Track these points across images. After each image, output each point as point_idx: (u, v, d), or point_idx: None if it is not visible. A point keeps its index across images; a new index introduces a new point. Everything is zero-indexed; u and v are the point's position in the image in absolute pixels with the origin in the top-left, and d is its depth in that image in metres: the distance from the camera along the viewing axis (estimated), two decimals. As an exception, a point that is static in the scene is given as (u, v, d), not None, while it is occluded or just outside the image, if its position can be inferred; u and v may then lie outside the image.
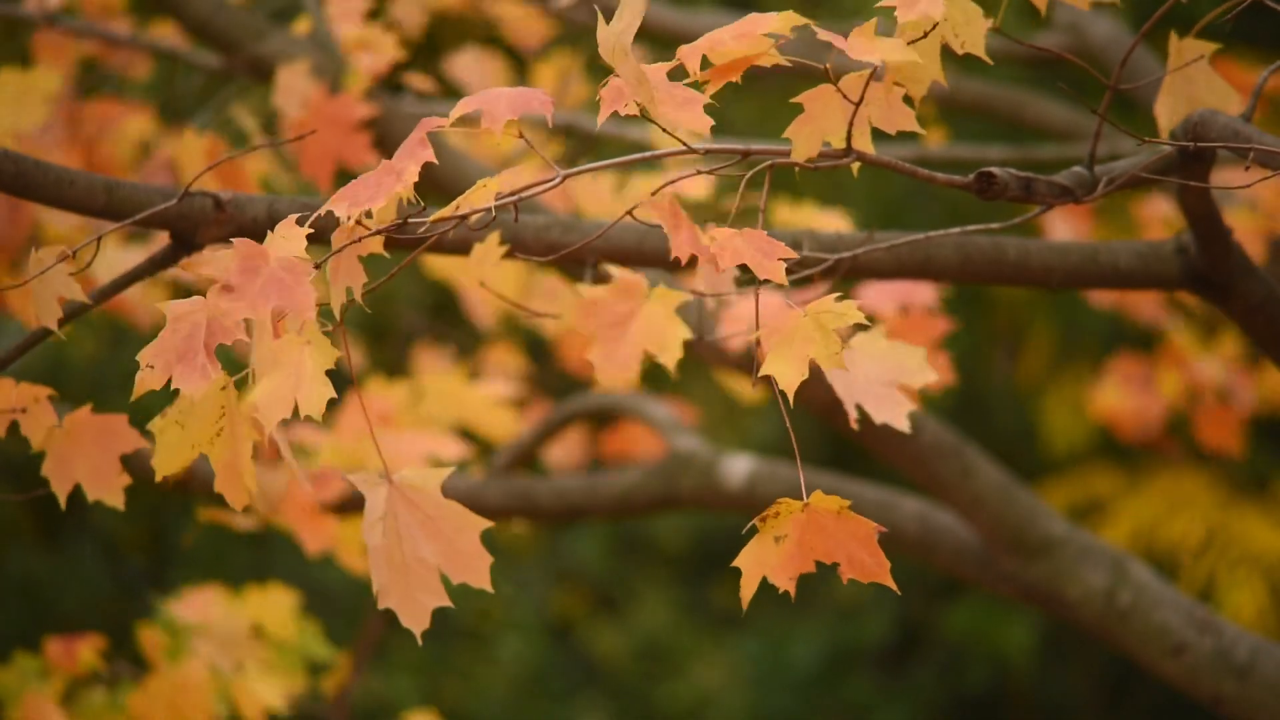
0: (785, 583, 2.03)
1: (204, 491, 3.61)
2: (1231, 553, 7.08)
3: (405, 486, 2.11)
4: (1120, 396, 4.90)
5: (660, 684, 7.89)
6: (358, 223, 2.05)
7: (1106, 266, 2.61)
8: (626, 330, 2.37)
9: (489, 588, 2.10)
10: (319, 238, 2.09)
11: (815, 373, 3.58)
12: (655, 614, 7.96)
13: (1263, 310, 2.58)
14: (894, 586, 2.04)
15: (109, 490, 2.35)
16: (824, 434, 7.37)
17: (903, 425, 2.39)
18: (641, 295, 2.36)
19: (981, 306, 7.38)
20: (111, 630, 3.82)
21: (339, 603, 6.76)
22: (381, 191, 2.03)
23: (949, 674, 7.87)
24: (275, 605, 3.68)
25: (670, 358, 2.37)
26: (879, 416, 2.39)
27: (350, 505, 3.64)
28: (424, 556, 2.11)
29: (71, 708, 3.43)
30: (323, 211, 2.05)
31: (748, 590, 2.02)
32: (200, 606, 3.59)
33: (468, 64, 4.53)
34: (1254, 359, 4.97)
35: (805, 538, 2.03)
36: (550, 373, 5.81)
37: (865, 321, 2.07)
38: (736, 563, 2.03)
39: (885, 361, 2.43)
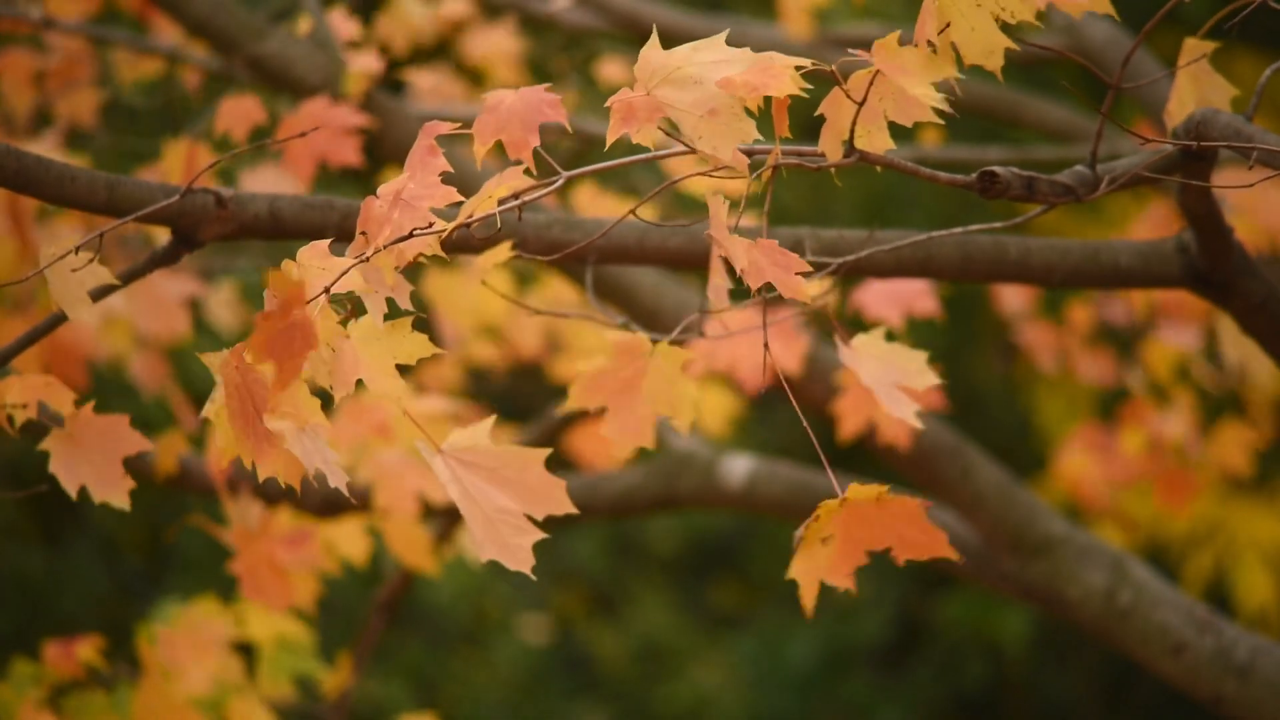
0: (843, 580, 2.03)
1: (198, 488, 3.61)
2: (1238, 541, 7.10)
3: (457, 452, 2.13)
4: (1084, 464, 4.95)
5: (658, 685, 7.88)
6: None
7: (1107, 265, 2.61)
8: (636, 395, 2.37)
9: (574, 510, 2.14)
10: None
11: (816, 373, 3.60)
12: (653, 615, 7.96)
13: (1264, 309, 2.58)
14: (953, 555, 2.04)
15: (115, 491, 2.34)
16: (822, 434, 7.36)
17: (914, 422, 2.39)
18: (645, 354, 2.36)
19: (978, 303, 7.38)
20: (109, 630, 3.81)
21: (338, 603, 6.76)
22: (408, 214, 2.03)
23: (947, 672, 7.88)
24: (269, 616, 3.68)
25: (684, 419, 2.38)
26: (894, 411, 2.39)
27: (328, 508, 3.63)
28: (502, 505, 2.12)
29: (67, 710, 3.42)
30: (364, 246, 2.04)
31: (809, 598, 2.03)
32: (194, 617, 3.59)
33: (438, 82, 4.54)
34: (1210, 416, 5.05)
35: (850, 532, 2.03)
36: (491, 388, 5.82)
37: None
38: (791, 574, 2.03)
39: (887, 363, 2.43)
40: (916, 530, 2.04)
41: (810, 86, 2.05)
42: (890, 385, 2.41)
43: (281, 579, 3.36)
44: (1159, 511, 5.27)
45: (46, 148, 3.83)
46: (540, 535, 2.13)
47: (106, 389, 6.60)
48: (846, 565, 2.04)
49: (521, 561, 2.13)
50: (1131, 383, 5.00)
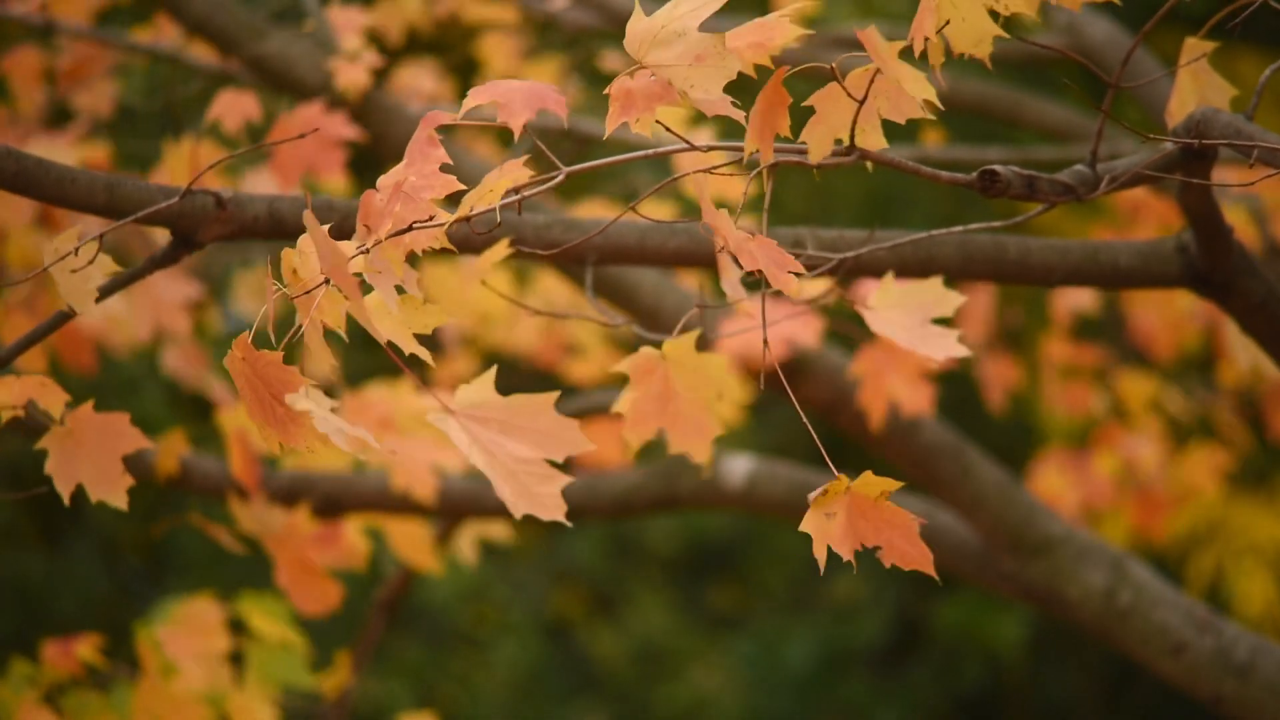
0: (846, 552, 2.03)
1: (199, 489, 3.60)
2: (1236, 543, 7.10)
3: (466, 408, 2.13)
4: (1060, 485, 4.98)
5: (658, 686, 7.88)
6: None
7: (1107, 265, 2.61)
8: (675, 401, 2.36)
9: (592, 447, 2.13)
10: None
11: (814, 372, 3.60)
12: (652, 616, 7.96)
13: (1264, 309, 2.58)
14: (935, 576, 2.04)
15: (112, 491, 2.34)
16: (821, 433, 7.36)
17: (961, 352, 2.37)
18: (659, 360, 2.34)
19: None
20: (109, 630, 3.82)
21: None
22: (409, 206, 2.03)
23: (945, 673, 7.87)
24: (268, 614, 3.68)
25: (724, 400, 2.36)
26: (937, 354, 2.37)
27: (330, 507, 3.63)
28: (522, 455, 2.12)
29: (66, 709, 3.42)
30: (366, 238, 2.04)
31: (820, 551, 2.03)
32: (192, 616, 3.59)
33: (427, 74, 4.54)
34: (1179, 438, 5.08)
35: (852, 518, 2.03)
36: (504, 381, 5.79)
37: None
38: (803, 527, 2.03)
39: (909, 305, 2.42)
40: (907, 542, 2.04)
41: (809, 56, 2.05)
42: (921, 326, 2.40)
43: (319, 581, 3.36)
44: (1134, 534, 5.32)
45: (67, 142, 3.83)
46: (566, 480, 2.12)
47: (108, 386, 6.60)
48: (848, 543, 2.04)
49: (552, 509, 2.12)
50: (1100, 408, 5.05)
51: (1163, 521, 4.98)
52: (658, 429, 2.35)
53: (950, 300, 2.42)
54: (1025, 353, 5.30)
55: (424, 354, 2.05)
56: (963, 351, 2.37)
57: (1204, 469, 4.95)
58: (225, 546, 3.42)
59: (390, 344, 2.07)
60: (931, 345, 2.38)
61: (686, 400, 2.34)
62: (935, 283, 2.43)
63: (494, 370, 2.15)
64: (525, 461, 2.12)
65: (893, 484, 2.03)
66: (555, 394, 2.14)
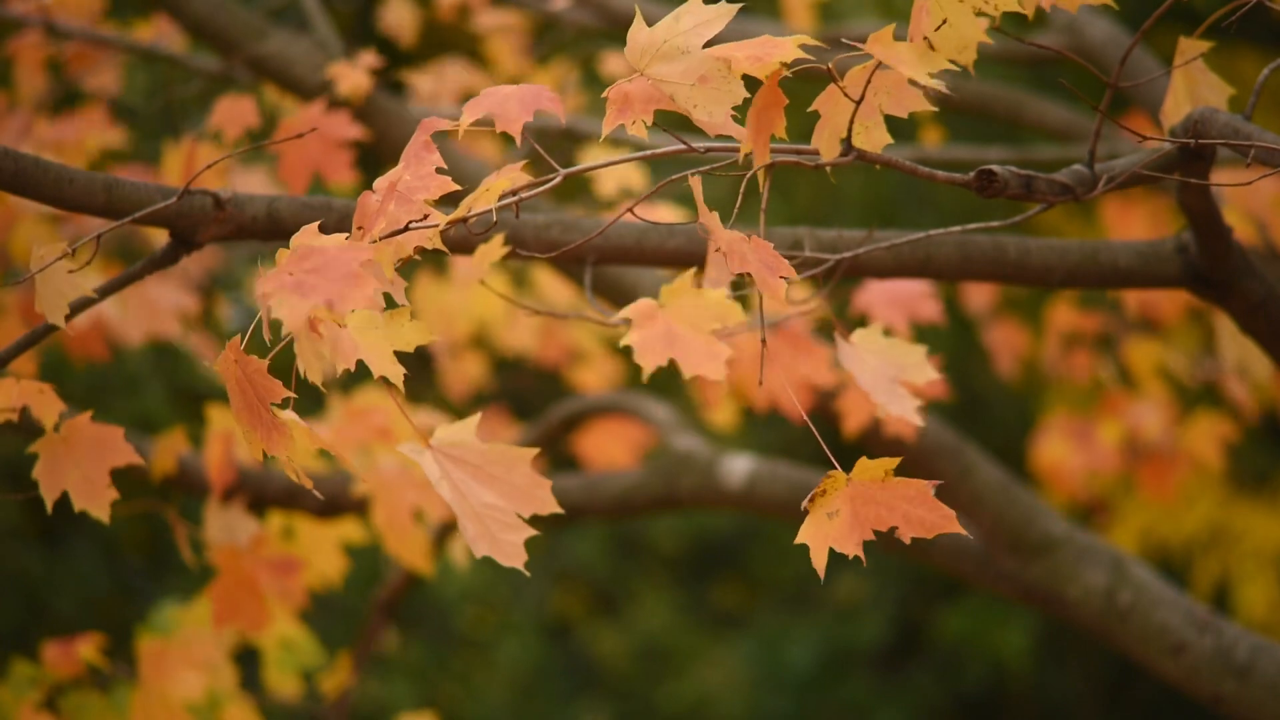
0: (852, 549, 2.02)
1: (197, 488, 3.60)
2: (1240, 546, 7.10)
3: (444, 446, 2.13)
4: (1064, 452, 4.95)
5: (660, 685, 7.88)
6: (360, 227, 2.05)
7: (1106, 265, 2.61)
8: (681, 336, 2.38)
9: (559, 510, 2.14)
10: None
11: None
12: (654, 615, 7.96)
13: (1263, 309, 2.58)
14: (962, 531, 2.04)
15: (96, 502, 2.34)
16: (822, 432, 7.35)
17: (914, 418, 2.39)
18: (657, 309, 2.37)
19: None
20: (109, 630, 3.81)
21: (338, 603, 6.76)
22: (404, 207, 2.03)
23: (947, 674, 7.87)
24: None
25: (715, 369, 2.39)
26: (890, 409, 2.39)
27: (329, 508, 3.63)
28: (490, 501, 2.12)
29: (66, 709, 3.42)
30: (359, 240, 2.04)
31: (819, 561, 2.02)
32: (192, 620, 3.59)
33: (450, 73, 4.54)
34: (1185, 407, 5.05)
35: (856, 509, 2.03)
36: (512, 385, 5.81)
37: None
38: (800, 539, 2.03)
39: (886, 357, 2.43)
40: (924, 509, 2.03)
41: (812, 59, 2.05)
42: (890, 381, 2.41)
43: (259, 603, 3.33)
44: (1149, 505, 5.29)
45: (84, 130, 3.83)
46: (531, 532, 2.13)
47: (110, 385, 6.59)
48: (854, 538, 2.03)
49: (513, 557, 2.13)
50: (1105, 376, 5.03)
51: (1171, 486, 4.96)
52: (668, 358, 2.37)
53: (925, 372, 2.44)
54: (1031, 318, 5.28)
55: (397, 376, 2.05)
56: (916, 420, 2.38)
57: (1208, 437, 4.93)
58: (182, 555, 3.40)
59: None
60: (892, 401, 2.39)
61: (691, 335, 2.36)
62: (919, 350, 2.44)
63: (478, 417, 2.16)
64: (492, 508, 2.13)
65: (893, 460, 2.02)
66: (533, 451, 2.15)
